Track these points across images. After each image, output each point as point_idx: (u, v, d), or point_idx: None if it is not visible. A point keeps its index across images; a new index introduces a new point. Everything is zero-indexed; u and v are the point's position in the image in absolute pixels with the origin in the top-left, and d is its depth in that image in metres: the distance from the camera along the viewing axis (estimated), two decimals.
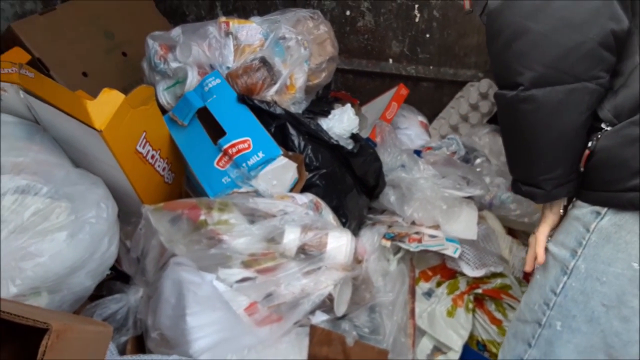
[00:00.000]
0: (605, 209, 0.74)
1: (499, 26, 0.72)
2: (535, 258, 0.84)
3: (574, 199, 0.81)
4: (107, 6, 1.58)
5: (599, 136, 0.72)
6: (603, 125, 0.72)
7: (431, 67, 1.78)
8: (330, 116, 1.37)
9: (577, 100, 0.71)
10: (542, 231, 0.83)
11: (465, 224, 1.25)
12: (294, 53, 1.30)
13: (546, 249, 0.83)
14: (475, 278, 1.18)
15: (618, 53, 0.70)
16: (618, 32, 0.67)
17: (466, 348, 1.16)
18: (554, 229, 0.84)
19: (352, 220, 1.25)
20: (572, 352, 0.79)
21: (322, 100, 1.49)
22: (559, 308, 0.80)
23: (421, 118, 1.80)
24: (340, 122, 1.35)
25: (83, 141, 1.01)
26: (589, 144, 0.73)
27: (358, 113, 1.46)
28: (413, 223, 1.29)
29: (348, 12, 1.76)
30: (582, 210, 0.77)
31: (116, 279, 1.03)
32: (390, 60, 1.81)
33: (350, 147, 1.28)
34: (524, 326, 0.86)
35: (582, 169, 0.76)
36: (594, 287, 0.76)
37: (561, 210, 0.82)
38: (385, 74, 1.83)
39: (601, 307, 0.76)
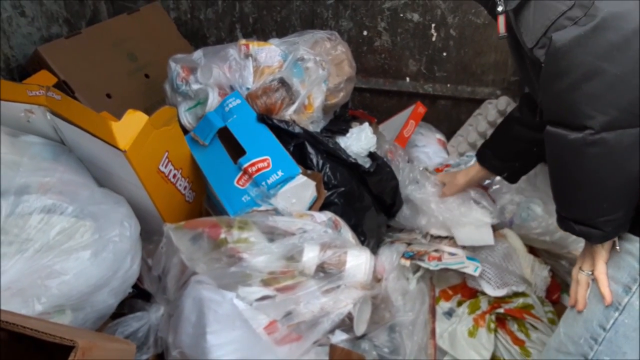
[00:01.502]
0: None
1: (566, 65, 0.66)
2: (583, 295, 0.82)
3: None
4: (130, 29, 1.63)
5: None
6: None
7: (448, 85, 1.79)
8: (348, 135, 1.38)
9: None
10: (602, 270, 0.79)
11: (479, 232, 1.24)
12: (312, 74, 1.32)
13: (592, 281, 0.81)
14: (496, 297, 1.17)
15: None
16: None
17: None
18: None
19: (370, 239, 1.25)
20: None
21: (340, 119, 1.50)
22: (609, 344, 0.77)
23: (439, 136, 1.80)
24: (358, 141, 1.36)
25: (107, 161, 1.03)
26: None
27: (375, 131, 1.47)
28: (431, 236, 1.29)
29: (365, 32, 1.78)
30: (637, 246, 0.75)
31: (138, 297, 1.04)
32: (408, 79, 1.82)
33: (367, 165, 1.29)
34: (565, 357, 0.84)
35: None
36: None
37: (618, 247, 0.79)
38: (402, 93, 1.84)
39: None
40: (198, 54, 1.35)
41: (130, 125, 0.99)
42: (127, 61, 1.57)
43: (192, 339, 0.90)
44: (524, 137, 1.08)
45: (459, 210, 1.26)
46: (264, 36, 1.83)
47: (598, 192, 0.73)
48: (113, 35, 1.58)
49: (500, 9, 0.74)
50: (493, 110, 1.71)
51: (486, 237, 1.23)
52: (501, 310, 1.16)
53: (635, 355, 0.75)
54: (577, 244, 1.25)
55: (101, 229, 0.90)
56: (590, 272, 0.81)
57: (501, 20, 0.75)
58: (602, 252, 0.79)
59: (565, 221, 0.80)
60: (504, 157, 1.16)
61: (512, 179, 1.21)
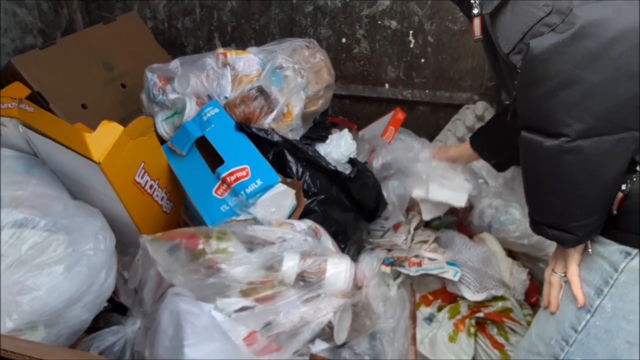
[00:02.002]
0: (637, 250, 0.72)
1: (543, 72, 0.66)
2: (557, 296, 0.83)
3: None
4: (106, 39, 1.61)
5: (634, 179, 0.70)
6: (638, 168, 0.70)
7: (427, 91, 1.80)
8: (327, 141, 1.38)
9: (623, 149, 0.67)
10: (575, 272, 0.79)
11: (455, 193, 1.27)
12: (291, 82, 1.32)
13: (565, 282, 0.82)
14: (476, 302, 1.17)
15: None
16: None
17: None
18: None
19: (351, 246, 1.25)
20: None
21: (319, 126, 1.50)
22: (580, 345, 0.78)
23: None
24: (338, 147, 1.36)
25: (82, 173, 1.02)
26: (623, 187, 0.71)
27: (355, 138, 1.48)
28: (411, 241, 1.30)
29: (344, 40, 1.79)
30: (609, 249, 0.75)
31: (113, 310, 1.03)
32: (387, 85, 1.83)
33: (348, 172, 1.29)
34: (536, 358, 0.84)
35: (615, 212, 0.72)
36: (620, 325, 0.75)
37: (590, 250, 0.79)
38: (382, 99, 1.85)
39: (625, 344, 0.75)
40: (175, 64, 1.34)
41: (105, 137, 0.97)
42: (103, 71, 1.55)
43: (169, 352, 0.88)
44: (516, 129, 1.08)
45: (442, 172, 1.30)
46: (242, 44, 1.82)
47: (572, 198, 0.73)
48: (88, 45, 1.56)
49: (475, 11, 0.73)
50: (471, 116, 1.72)
51: (460, 198, 1.26)
52: (481, 315, 1.17)
53: (607, 355, 0.76)
54: (554, 247, 1.26)
55: (75, 243, 0.89)
56: (562, 274, 0.82)
57: (477, 23, 0.75)
58: (574, 255, 0.80)
59: (539, 225, 0.80)
60: (495, 145, 1.18)
61: (500, 167, 1.23)
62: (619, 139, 0.66)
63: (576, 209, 0.74)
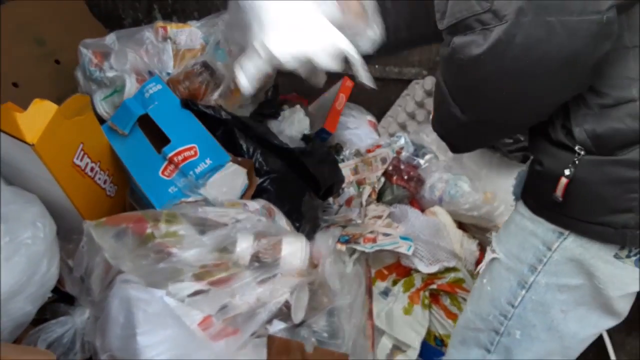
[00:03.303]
0: (569, 230, 0.73)
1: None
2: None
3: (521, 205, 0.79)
4: (36, 11, 1.49)
5: (576, 162, 0.67)
6: (577, 149, 0.66)
7: (376, 66, 1.79)
8: (280, 118, 1.36)
9: None
10: None
11: None
12: (236, 56, 1.28)
13: (494, 258, 0.83)
14: (429, 274, 1.20)
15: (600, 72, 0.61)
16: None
17: (424, 344, 1.17)
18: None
19: (305, 224, 1.24)
20: (531, 358, 0.81)
21: (271, 103, 1.47)
22: (518, 318, 0.80)
23: (370, 117, 1.81)
24: (292, 124, 1.35)
25: (15, 156, 0.95)
26: (567, 172, 0.67)
27: (308, 113, 1.46)
28: (365, 216, 1.29)
29: None
30: (541, 227, 0.75)
31: (59, 300, 0.98)
32: None
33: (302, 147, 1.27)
34: (476, 333, 0.86)
35: (560, 199, 0.69)
36: (554, 297, 0.77)
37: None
38: (331, 73, 1.82)
39: (560, 314, 0.78)
40: (111, 38, 1.26)
41: (37, 116, 0.91)
42: (34, 46, 1.44)
43: (121, 341, 0.85)
44: None
45: None
46: (184, 17, 1.74)
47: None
48: (17, 18, 1.44)
49: None
50: (420, 91, 1.74)
51: None
52: (434, 286, 1.19)
53: (544, 325, 0.79)
54: (503, 218, 1.30)
55: (11, 232, 0.83)
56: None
57: None
58: None
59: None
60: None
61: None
62: None
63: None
